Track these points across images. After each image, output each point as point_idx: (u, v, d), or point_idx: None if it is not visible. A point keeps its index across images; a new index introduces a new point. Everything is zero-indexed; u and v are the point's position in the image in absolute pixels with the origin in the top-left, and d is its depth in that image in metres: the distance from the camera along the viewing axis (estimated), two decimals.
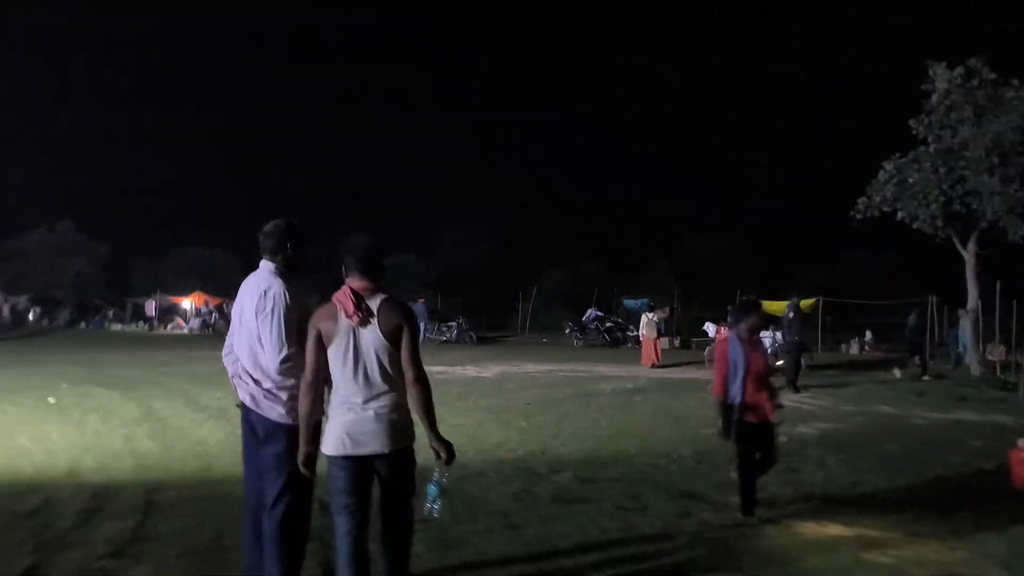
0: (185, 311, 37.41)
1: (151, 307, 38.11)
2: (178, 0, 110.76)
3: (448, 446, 3.29)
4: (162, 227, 59.95)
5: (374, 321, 3.22)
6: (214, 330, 32.29)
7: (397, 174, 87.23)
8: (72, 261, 48.42)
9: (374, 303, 3.25)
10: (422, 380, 3.24)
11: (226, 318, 31.87)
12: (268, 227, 3.72)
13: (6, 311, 38.30)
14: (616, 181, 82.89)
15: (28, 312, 38.06)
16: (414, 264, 44.41)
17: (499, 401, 11.33)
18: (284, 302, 3.50)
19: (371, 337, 3.22)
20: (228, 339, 3.77)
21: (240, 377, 3.62)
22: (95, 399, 10.73)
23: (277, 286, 3.56)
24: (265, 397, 3.53)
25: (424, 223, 59.28)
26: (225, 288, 36.53)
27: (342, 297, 3.26)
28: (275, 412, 3.52)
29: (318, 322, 3.29)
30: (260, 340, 3.51)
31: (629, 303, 30.94)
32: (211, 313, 35.75)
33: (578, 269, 43.36)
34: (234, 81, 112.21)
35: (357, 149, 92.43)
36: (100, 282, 48.54)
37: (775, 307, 18.74)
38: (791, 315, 14.53)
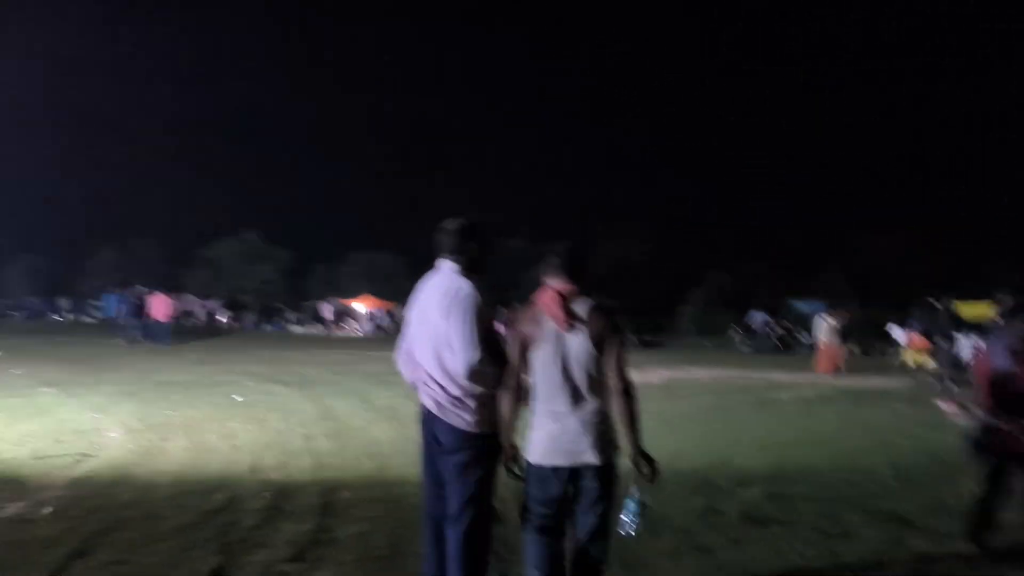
0: (358, 314, 39.22)
1: (326, 310, 40.28)
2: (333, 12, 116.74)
3: (652, 462, 3.07)
4: (337, 234, 63.17)
5: (582, 327, 3.01)
6: (385, 332, 33.57)
7: (549, 173, 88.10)
8: (257, 267, 52.26)
9: (581, 308, 3.05)
10: (630, 390, 3.02)
11: (396, 321, 33.14)
12: (450, 225, 3.49)
13: (201, 314, 41.68)
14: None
15: (220, 315, 41.20)
16: None
17: (671, 407, 10.82)
18: (476, 303, 3.28)
19: (578, 343, 3.01)
20: (401, 343, 3.61)
21: (423, 383, 3.43)
22: (277, 397, 11.21)
23: (468, 286, 3.33)
24: (451, 404, 3.32)
25: (580, 221, 59.14)
26: (393, 292, 37.98)
27: (548, 301, 3.06)
28: (461, 420, 3.30)
29: (521, 326, 3.12)
30: (448, 343, 3.29)
31: (799, 306, 29.40)
32: (382, 316, 37.27)
33: (741, 270, 41.62)
34: (402, 94, 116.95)
35: (509, 152, 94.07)
36: (282, 287, 52.07)
37: (971, 311, 17.06)
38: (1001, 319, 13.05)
